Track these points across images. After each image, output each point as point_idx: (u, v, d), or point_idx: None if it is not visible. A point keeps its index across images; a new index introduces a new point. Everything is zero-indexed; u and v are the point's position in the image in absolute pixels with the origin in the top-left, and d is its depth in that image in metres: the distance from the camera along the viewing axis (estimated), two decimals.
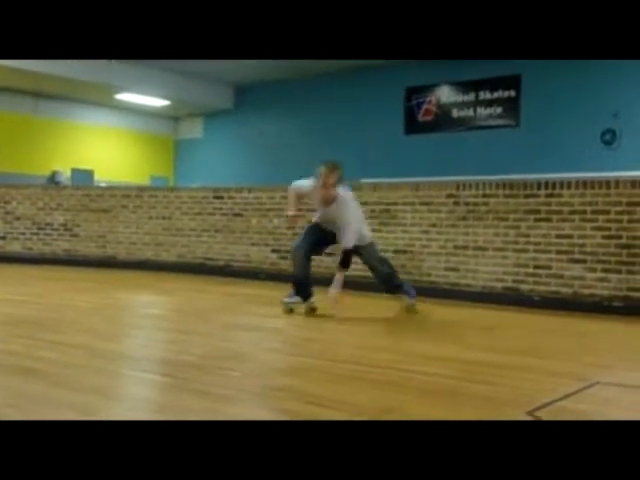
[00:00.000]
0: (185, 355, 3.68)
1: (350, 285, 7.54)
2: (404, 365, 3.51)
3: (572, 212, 6.39)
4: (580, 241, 6.33)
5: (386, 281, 5.65)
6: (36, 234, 9.97)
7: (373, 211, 7.64)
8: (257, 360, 3.73)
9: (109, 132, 16.80)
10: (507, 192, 6.77)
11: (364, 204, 7.73)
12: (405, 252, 7.38)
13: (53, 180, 15.14)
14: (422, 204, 7.32)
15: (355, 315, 5.52)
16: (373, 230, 7.64)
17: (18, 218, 10.03)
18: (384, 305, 6.50)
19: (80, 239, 9.85)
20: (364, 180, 11.94)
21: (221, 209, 9.01)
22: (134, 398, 2.86)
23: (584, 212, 6.33)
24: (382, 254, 6.01)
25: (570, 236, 6.39)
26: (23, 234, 10.01)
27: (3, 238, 10.04)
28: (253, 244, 8.72)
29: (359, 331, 4.79)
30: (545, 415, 2.56)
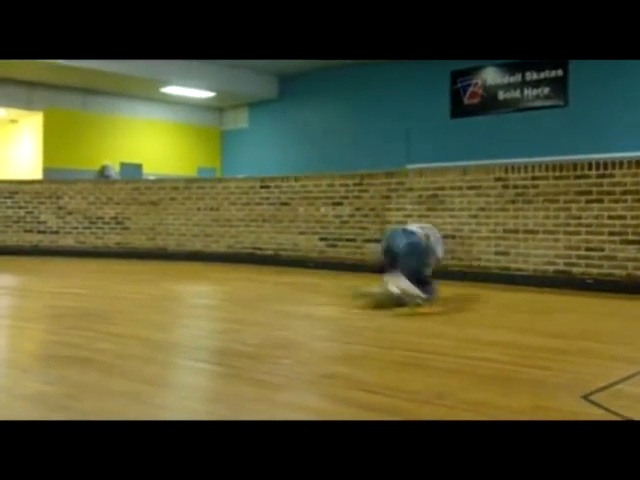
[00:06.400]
0: (238, 344, 3.72)
1: None
2: (458, 351, 3.49)
3: (624, 192, 6.26)
4: (633, 222, 6.20)
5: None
6: (88, 228, 10.17)
7: (420, 197, 7.60)
8: (309, 348, 3.75)
9: (156, 125, 17.02)
10: (557, 174, 6.66)
11: (410, 190, 7.70)
12: (454, 237, 7.32)
13: (102, 174, 15.40)
14: (470, 188, 7.24)
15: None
16: (421, 216, 7.61)
17: (70, 212, 10.24)
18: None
19: (131, 232, 10.01)
20: (410, 166, 11.90)
21: (268, 198, 9.05)
22: (189, 387, 2.91)
23: (637, 192, 6.19)
24: None
25: (623, 217, 6.26)
26: (75, 228, 10.21)
27: (56, 232, 10.26)
28: (301, 233, 8.74)
29: (411, 318, 4.77)
30: (601, 400, 2.52)
